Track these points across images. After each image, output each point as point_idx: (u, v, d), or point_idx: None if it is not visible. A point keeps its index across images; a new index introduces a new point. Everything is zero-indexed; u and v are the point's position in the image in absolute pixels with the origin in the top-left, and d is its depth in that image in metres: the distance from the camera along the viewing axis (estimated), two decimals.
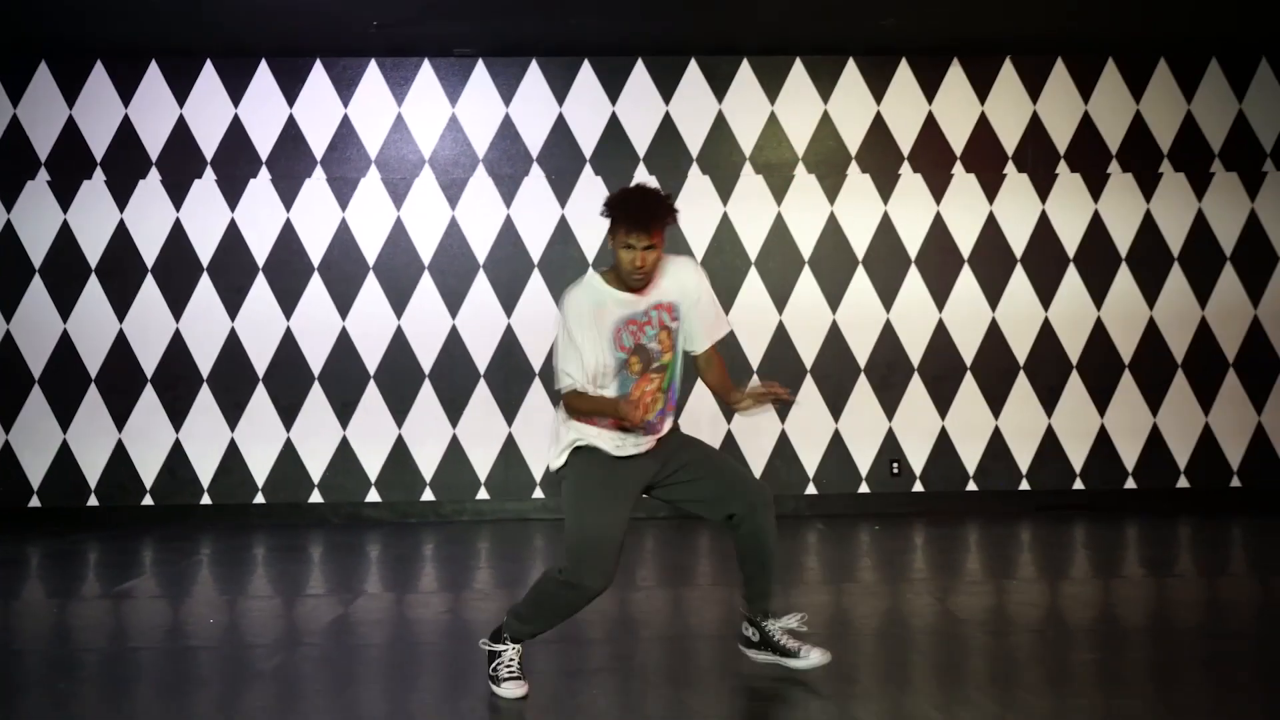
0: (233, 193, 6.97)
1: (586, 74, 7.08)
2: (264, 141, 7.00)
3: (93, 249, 6.91)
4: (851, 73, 7.15)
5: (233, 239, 6.95)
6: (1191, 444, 7.14)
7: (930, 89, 7.15)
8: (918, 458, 7.08)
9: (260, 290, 6.94)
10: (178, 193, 6.95)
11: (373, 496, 6.93)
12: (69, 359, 6.86)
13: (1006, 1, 6.16)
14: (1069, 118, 7.17)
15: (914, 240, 7.11)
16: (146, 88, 6.98)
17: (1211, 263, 7.17)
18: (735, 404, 3.49)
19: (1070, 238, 7.14)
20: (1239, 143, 7.20)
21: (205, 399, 6.89)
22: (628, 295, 3.31)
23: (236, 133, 6.99)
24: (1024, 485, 7.10)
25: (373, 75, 7.05)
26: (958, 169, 7.13)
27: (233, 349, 6.92)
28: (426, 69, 7.06)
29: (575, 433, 3.34)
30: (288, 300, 6.94)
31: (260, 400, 6.91)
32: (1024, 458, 7.10)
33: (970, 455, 7.09)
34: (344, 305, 6.95)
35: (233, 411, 6.91)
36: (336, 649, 4.03)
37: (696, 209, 6.94)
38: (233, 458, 6.90)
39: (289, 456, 6.91)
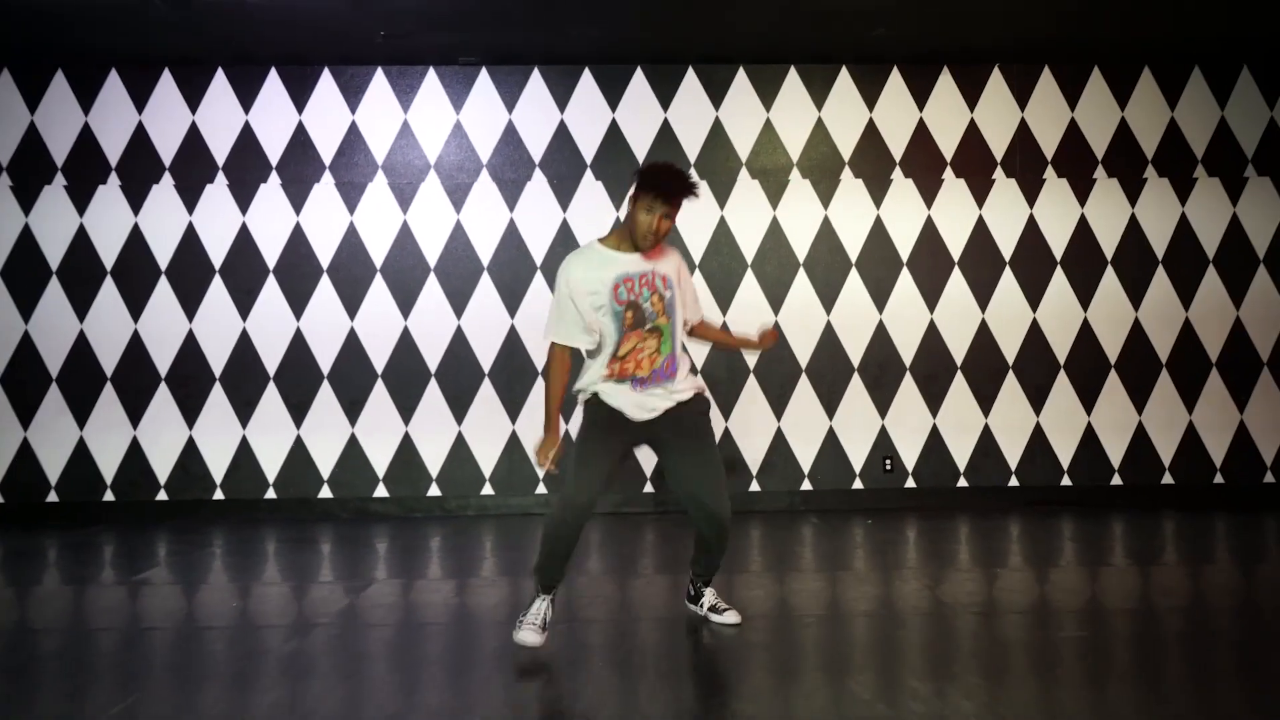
0: (244, 197, 7.16)
1: (587, 82, 7.28)
2: (274, 147, 7.19)
3: (108, 252, 7.10)
4: (844, 81, 7.34)
5: (244, 242, 7.14)
6: (1176, 441, 7.33)
7: (921, 96, 7.34)
8: (910, 454, 7.27)
9: (271, 292, 7.13)
10: (190, 197, 7.14)
11: (380, 492, 7.12)
12: (85, 358, 7.05)
13: (993, 13, 6.35)
14: (1056, 124, 7.37)
15: (905, 243, 7.30)
16: (160, 95, 7.17)
17: (1195, 265, 7.36)
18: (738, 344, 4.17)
19: (1057, 241, 7.33)
20: (1221, 148, 7.39)
21: (217, 397, 7.08)
22: (627, 255, 3.77)
23: (247, 139, 7.18)
24: (1013, 481, 7.28)
25: (379, 83, 7.24)
26: (948, 174, 7.33)
27: (244, 349, 7.10)
28: (431, 77, 7.25)
29: (604, 396, 3.81)
30: (297, 301, 7.13)
31: (271, 398, 7.10)
32: (1013, 454, 7.28)
33: (961, 452, 7.27)
34: (352, 306, 7.14)
35: (244, 409, 7.09)
36: (352, 631, 4.21)
37: (695, 213, 7.13)
38: (244, 454, 7.09)
39: (299, 453, 7.10)
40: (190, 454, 7.08)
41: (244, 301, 7.12)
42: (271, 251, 7.14)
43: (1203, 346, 7.33)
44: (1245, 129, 7.40)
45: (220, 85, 7.19)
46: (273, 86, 7.20)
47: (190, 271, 7.12)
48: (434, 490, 7.14)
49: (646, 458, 7.09)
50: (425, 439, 7.14)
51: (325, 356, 7.12)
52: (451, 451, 7.14)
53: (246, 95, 7.19)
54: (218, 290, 7.11)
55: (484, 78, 7.25)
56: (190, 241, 7.12)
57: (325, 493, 7.10)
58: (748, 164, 7.26)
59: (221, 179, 7.15)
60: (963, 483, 7.26)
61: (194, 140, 7.16)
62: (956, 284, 7.30)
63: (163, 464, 7.07)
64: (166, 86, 7.17)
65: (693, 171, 3.78)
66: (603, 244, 3.84)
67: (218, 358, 7.10)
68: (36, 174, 7.09)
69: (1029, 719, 3.10)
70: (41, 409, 7.03)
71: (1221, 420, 7.33)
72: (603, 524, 6.70)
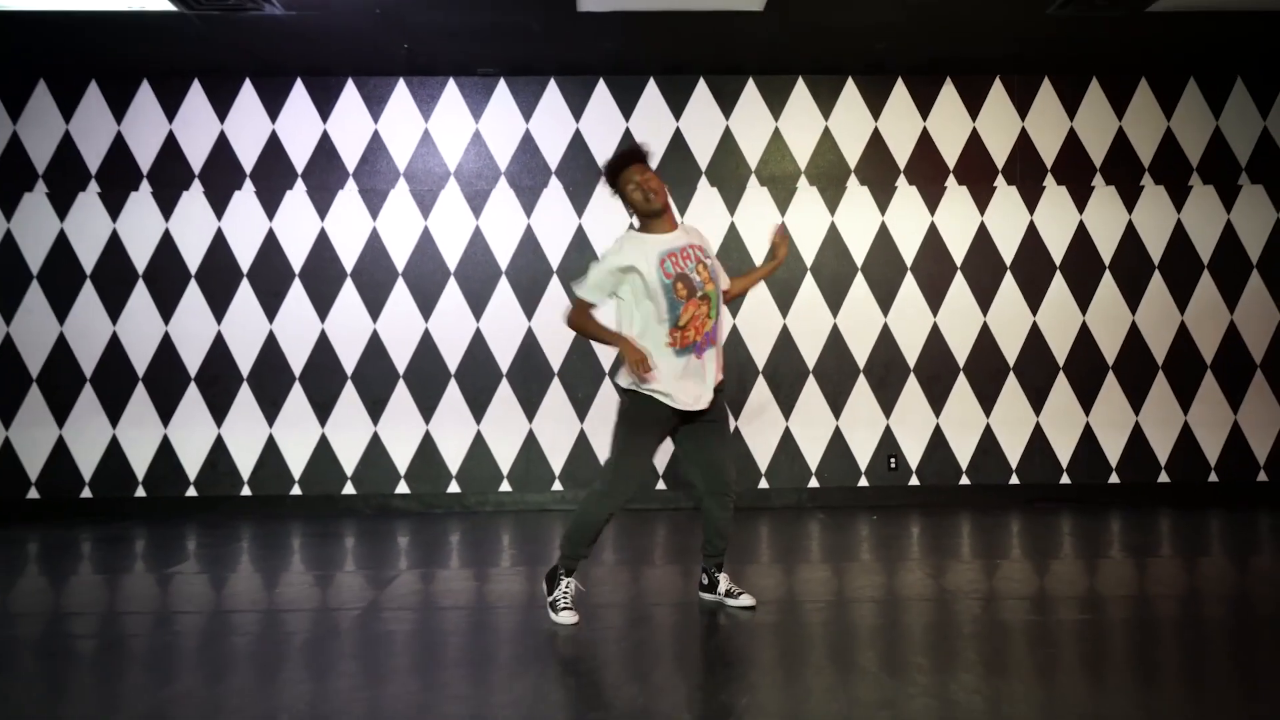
0: (271, 204, 7.41)
1: (602, 92, 7.53)
2: (299, 155, 7.44)
3: (140, 256, 7.35)
4: (850, 91, 7.59)
5: (270, 247, 7.40)
6: (1171, 441, 7.56)
7: (924, 106, 7.58)
8: (914, 453, 7.50)
9: (296, 295, 7.38)
10: (219, 204, 7.40)
11: (401, 489, 7.37)
12: (118, 359, 7.30)
13: (994, 27, 6.60)
14: (1055, 134, 7.60)
15: (909, 248, 7.54)
16: (189, 105, 7.43)
17: (1190, 270, 7.59)
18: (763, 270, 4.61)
19: (1057, 246, 7.57)
20: (1216, 157, 7.61)
21: (245, 396, 7.34)
22: (663, 235, 4.15)
23: (274, 147, 7.44)
24: (1014, 479, 7.51)
25: (401, 93, 7.50)
26: (950, 182, 7.57)
27: (270, 350, 7.36)
28: (451, 87, 7.51)
29: (662, 389, 4.07)
30: (322, 304, 7.39)
31: (296, 398, 7.35)
32: (1013, 453, 7.52)
33: (963, 451, 7.51)
34: (375, 309, 7.39)
35: (270, 408, 7.35)
36: (384, 617, 4.46)
37: (705, 219, 7.36)
38: (270, 452, 7.34)
39: (323, 451, 7.35)
40: (219, 451, 7.33)
41: (270, 304, 7.38)
42: (297, 256, 7.40)
43: (1198, 349, 7.56)
44: (1239, 138, 7.63)
45: (248, 95, 7.45)
46: (298, 96, 7.46)
47: (219, 275, 7.37)
48: (453, 487, 7.39)
49: (660, 452, 7.34)
50: (445, 437, 7.38)
51: (349, 357, 7.37)
52: (470, 449, 7.38)
53: (273, 105, 7.45)
54: (245, 293, 7.37)
55: (502, 88, 7.50)
56: (219, 246, 7.38)
57: (348, 489, 7.35)
58: (757, 172, 7.51)
59: (249, 186, 7.41)
60: (965, 480, 7.50)
61: (222, 148, 7.42)
62: (959, 288, 7.53)
63: (192, 461, 7.32)
64: (196, 97, 7.43)
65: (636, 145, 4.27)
66: (640, 231, 4.24)
67: (245, 358, 7.35)
68: (72, 181, 7.35)
69: (1026, 696, 3.34)
70: (76, 408, 7.29)
71: (1216, 420, 7.56)
72: (616, 519, 6.93)
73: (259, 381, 7.35)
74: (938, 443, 7.50)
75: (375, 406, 7.37)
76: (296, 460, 7.34)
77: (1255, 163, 7.62)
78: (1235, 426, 7.55)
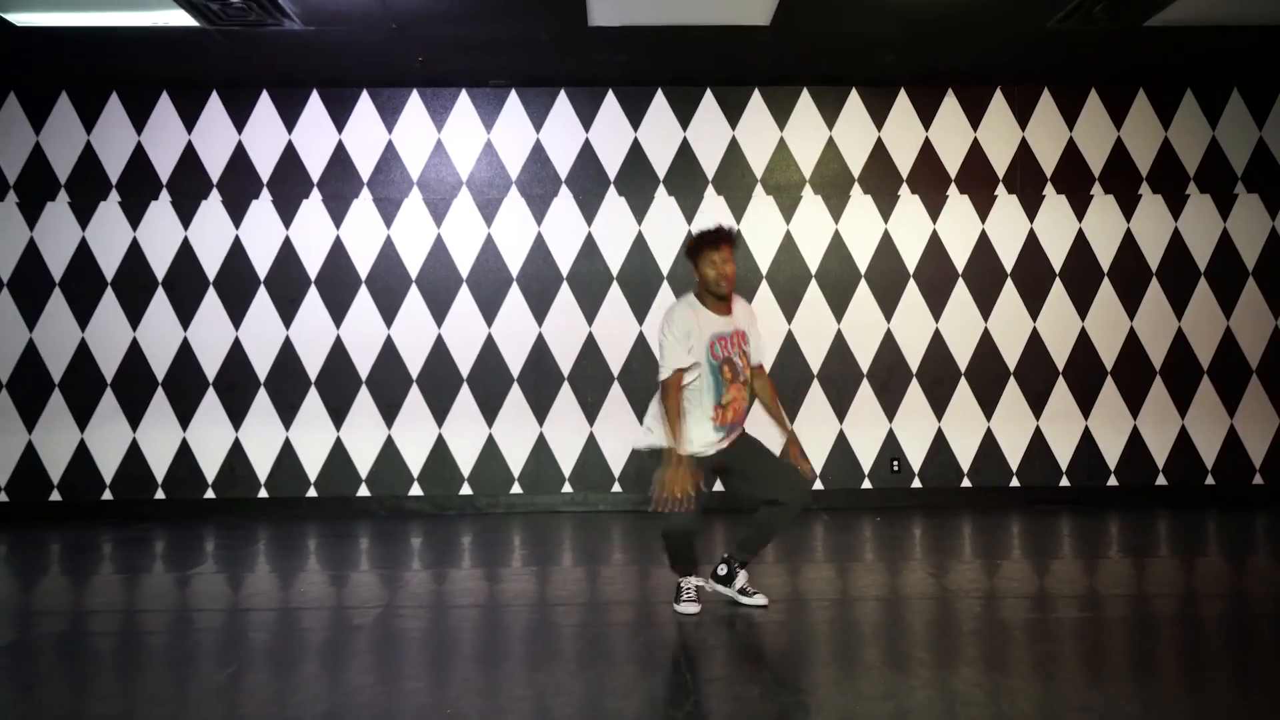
0: (287, 212, 7.58)
1: (611, 103, 7.69)
2: (315, 165, 7.61)
3: (159, 264, 7.52)
4: (854, 102, 7.75)
5: (287, 255, 7.56)
6: (1169, 445, 7.70)
7: (926, 116, 7.74)
8: (916, 456, 7.65)
9: (312, 301, 7.55)
10: (237, 212, 7.57)
11: (415, 491, 7.53)
12: (138, 364, 7.47)
13: (993, 41, 6.76)
14: (1055, 143, 7.75)
15: (912, 256, 7.70)
16: (208, 116, 7.59)
17: (1187, 277, 7.73)
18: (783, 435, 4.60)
19: (1056, 254, 7.72)
20: (1212, 167, 7.76)
21: (262, 401, 7.50)
22: (717, 317, 4.37)
23: (290, 157, 7.60)
24: (1014, 482, 7.66)
25: (414, 104, 7.66)
26: (952, 190, 7.72)
27: (287, 355, 7.52)
28: (464, 98, 7.67)
29: (685, 444, 4.27)
30: (337, 311, 7.55)
31: (312, 402, 7.51)
32: (1014, 456, 7.67)
33: (964, 454, 7.66)
34: (389, 315, 7.56)
35: (287, 412, 7.51)
36: (402, 615, 4.62)
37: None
38: (287, 454, 7.50)
39: (338, 454, 7.51)
40: (236, 454, 7.49)
41: (287, 311, 7.54)
42: (313, 263, 7.56)
43: (1195, 354, 7.70)
44: (1235, 148, 7.78)
45: (265, 106, 7.61)
46: (314, 108, 7.62)
47: (236, 282, 7.54)
48: (465, 489, 7.55)
49: None
50: (457, 441, 7.54)
51: (363, 362, 7.54)
52: (482, 452, 7.54)
53: (289, 116, 7.61)
54: (262, 300, 7.53)
55: (513, 99, 7.67)
56: (237, 254, 7.54)
57: (363, 491, 7.51)
58: (762, 180, 7.66)
59: (266, 195, 7.57)
60: (966, 483, 7.65)
61: (240, 159, 7.58)
62: (960, 294, 7.68)
63: (210, 464, 7.49)
64: (214, 108, 7.60)
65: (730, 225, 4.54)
66: (699, 299, 4.41)
67: (262, 364, 7.51)
68: (93, 191, 7.52)
69: (1025, 690, 3.50)
70: (97, 412, 7.45)
71: (1213, 424, 7.70)
72: (625, 520, 7.10)
73: (276, 386, 7.51)
74: (939, 446, 7.65)
75: (389, 410, 7.53)
76: (312, 463, 7.51)
77: (1251, 172, 7.77)
78: (1231, 430, 7.70)
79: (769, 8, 6.10)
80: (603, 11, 6.17)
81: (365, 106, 7.65)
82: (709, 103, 7.71)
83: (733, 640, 4.15)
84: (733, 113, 7.71)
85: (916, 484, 7.64)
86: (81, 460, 7.45)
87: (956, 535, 6.48)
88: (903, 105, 7.74)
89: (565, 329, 7.57)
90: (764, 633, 4.21)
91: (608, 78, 7.55)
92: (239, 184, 7.58)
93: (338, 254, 7.57)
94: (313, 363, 7.53)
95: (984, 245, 7.70)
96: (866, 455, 7.64)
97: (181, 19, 6.10)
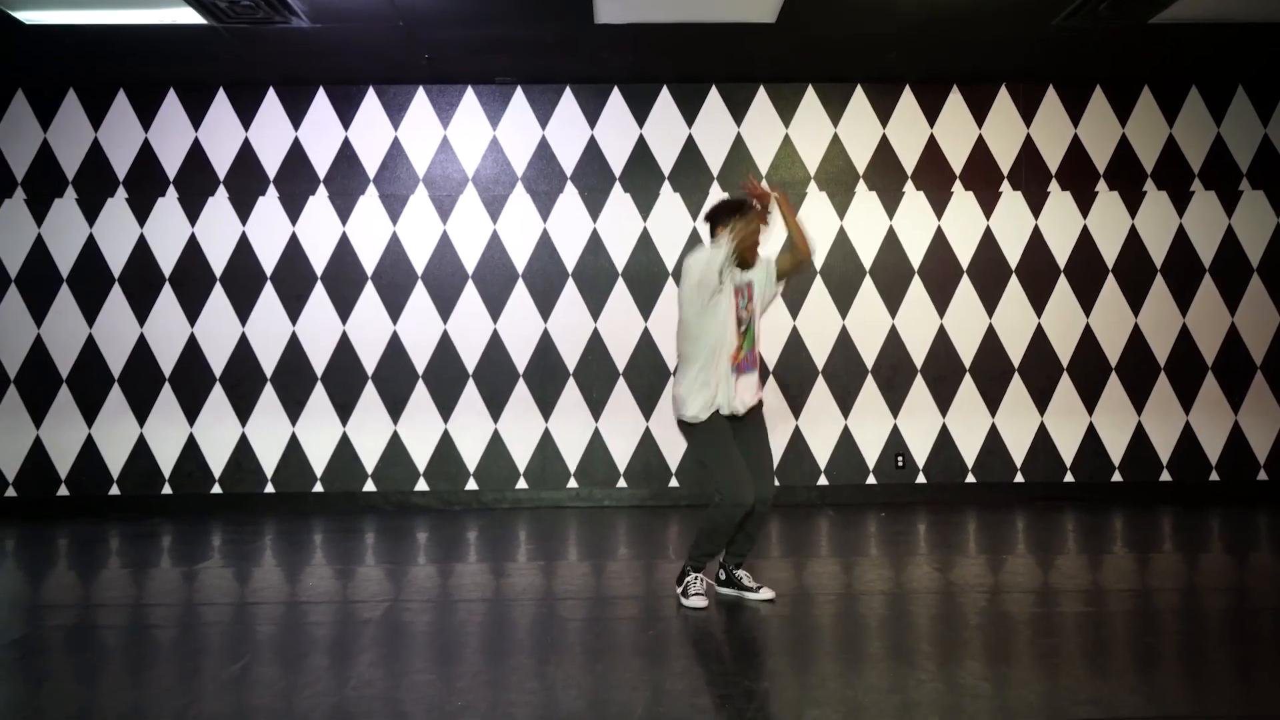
0: (293, 209, 7.60)
1: (616, 100, 7.71)
2: (322, 162, 7.63)
3: (167, 260, 7.55)
4: (859, 99, 7.76)
5: (293, 251, 7.59)
6: (1173, 441, 7.71)
7: (931, 114, 7.75)
8: (920, 452, 7.67)
9: (319, 298, 7.57)
10: (244, 209, 7.59)
11: (420, 486, 7.55)
12: (145, 360, 7.50)
13: (998, 39, 6.77)
14: (1060, 140, 7.76)
15: (917, 252, 7.71)
16: (215, 114, 7.62)
17: (1192, 274, 7.74)
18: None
19: (1061, 251, 7.73)
20: (1217, 164, 7.77)
21: (268, 396, 7.53)
22: (740, 273, 4.52)
23: (297, 154, 7.62)
24: (1018, 478, 7.67)
25: (420, 101, 7.68)
26: (957, 187, 7.73)
27: (293, 351, 7.55)
28: (470, 95, 7.69)
29: (706, 399, 4.42)
30: (343, 307, 7.57)
31: (318, 398, 7.54)
32: (1018, 452, 7.68)
33: (969, 449, 7.67)
34: (395, 311, 7.58)
35: (293, 408, 7.54)
36: (410, 609, 4.65)
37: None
38: (293, 450, 7.53)
39: (344, 449, 7.54)
40: (243, 450, 7.52)
41: (293, 307, 7.57)
42: (319, 260, 7.59)
43: (1199, 351, 7.72)
44: (1240, 145, 7.78)
45: (272, 104, 7.64)
46: (321, 105, 7.65)
47: (243, 279, 7.56)
48: (471, 485, 7.57)
49: (672, 450, 7.53)
50: (463, 436, 7.57)
51: (369, 358, 7.56)
52: (488, 448, 7.57)
53: (296, 113, 7.64)
54: (269, 296, 7.56)
55: (519, 96, 7.69)
56: (243, 251, 7.57)
57: (369, 486, 7.54)
58: (767, 178, 7.67)
59: (273, 192, 7.60)
60: (971, 479, 7.66)
61: (247, 155, 7.61)
62: (965, 291, 7.70)
63: (217, 459, 7.52)
64: (221, 106, 7.62)
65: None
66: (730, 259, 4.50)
67: (269, 359, 7.54)
68: (100, 188, 7.55)
69: (1029, 682, 3.52)
70: (104, 408, 7.49)
71: (1217, 421, 7.71)
72: (630, 516, 7.13)
73: (282, 382, 7.54)
74: (944, 441, 7.67)
75: (395, 406, 7.56)
76: (319, 458, 7.54)
77: (1256, 169, 7.77)
78: (1236, 427, 7.71)
79: (774, 5, 6.12)
80: (609, 9, 6.19)
81: (371, 103, 7.67)
82: (714, 100, 7.72)
83: (740, 635, 4.17)
84: (738, 110, 7.73)
85: (921, 480, 7.66)
86: (89, 456, 7.48)
87: (961, 531, 6.50)
88: (908, 102, 7.75)
89: (571, 325, 7.60)
90: (770, 627, 4.24)
91: (613, 75, 7.57)
92: (246, 181, 7.60)
93: (344, 250, 7.60)
94: (319, 359, 7.56)
95: (988, 242, 7.72)
96: (871, 451, 7.66)
97: (190, 17, 6.13)
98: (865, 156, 7.74)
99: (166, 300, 7.54)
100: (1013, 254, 7.72)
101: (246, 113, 7.64)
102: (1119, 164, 7.76)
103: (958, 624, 4.26)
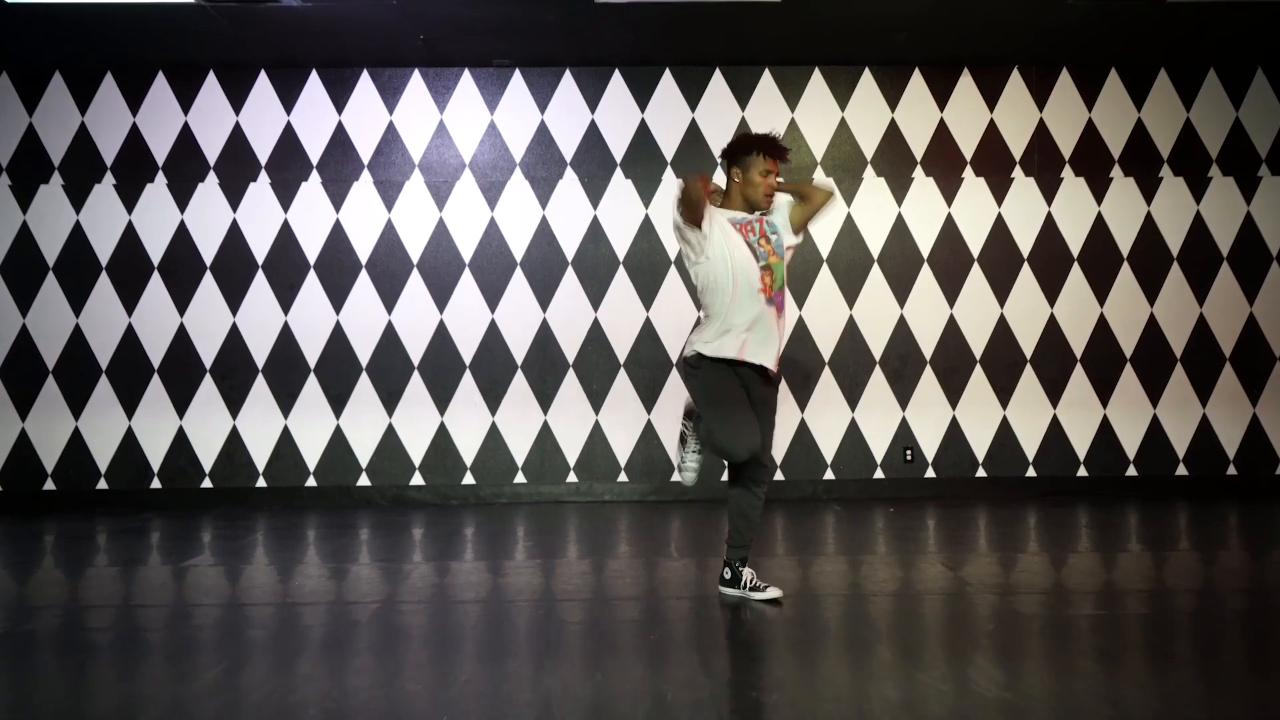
0: (286, 195, 7.41)
1: (617, 83, 7.50)
2: (315, 147, 7.43)
3: (155, 248, 7.36)
4: (867, 82, 7.55)
5: (286, 239, 7.39)
6: (1190, 434, 7.52)
7: (941, 97, 7.54)
8: (929, 445, 7.48)
9: (312, 286, 7.38)
10: (234, 195, 7.40)
11: (416, 480, 7.37)
12: (134, 351, 7.31)
13: (1011, 19, 6.56)
14: (1073, 125, 7.55)
15: (926, 240, 7.51)
16: (205, 98, 7.42)
17: (1209, 262, 7.54)
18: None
19: (1074, 238, 7.53)
20: (1235, 149, 7.56)
21: (260, 388, 7.34)
22: (733, 210, 4.32)
23: (289, 139, 7.43)
24: (1030, 472, 7.48)
25: (416, 84, 7.48)
26: (967, 173, 7.53)
27: (286, 341, 7.36)
28: (467, 78, 7.49)
29: (724, 342, 4.22)
30: (337, 296, 7.38)
31: (312, 389, 7.35)
32: (1030, 446, 7.49)
33: (979, 443, 7.48)
34: (390, 301, 7.39)
35: (286, 400, 7.35)
36: (402, 610, 4.46)
37: None
38: (286, 443, 7.35)
39: (338, 442, 7.36)
40: (234, 443, 7.34)
41: (286, 296, 7.38)
42: (312, 248, 7.39)
43: (1216, 341, 7.51)
44: (1259, 129, 7.57)
45: (263, 87, 7.44)
46: (314, 88, 7.44)
47: (234, 267, 7.37)
48: (468, 479, 7.39)
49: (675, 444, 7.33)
50: (460, 429, 7.38)
51: (364, 349, 7.37)
52: (485, 441, 7.38)
53: (288, 97, 7.44)
54: (261, 285, 7.37)
55: (517, 79, 7.48)
56: (235, 238, 7.38)
57: (364, 480, 7.36)
58: None
59: (264, 178, 7.40)
60: (981, 473, 7.47)
61: (238, 140, 7.41)
62: (976, 280, 7.50)
63: (208, 453, 7.34)
64: (211, 89, 7.42)
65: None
66: (722, 206, 4.37)
67: (261, 350, 7.35)
68: (87, 174, 7.36)
69: (1047, 684, 3.33)
70: (92, 400, 7.30)
71: (1234, 413, 7.51)
72: (631, 511, 6.94)
73: (274, 373, 7.35)
74: (954, 435, 7.47)
75: (390, 398, 7.37)
76: (312, 452, 7.35)
77: (1276, 154, 7.56)
78: (1254, 420, 7.51)
79: None
80: None
81: (366, 87, 7.47)
82: (718, 83, 7.51)
83: (743, 637, 3.98)
84: (742, 93, 7.52)
85: (930, 474, 7.47)
86: (76, 449, 7.30)
87: (971, 527, 6.31)
88: (917, 85, 7.54)
89: (570, 315, 7.40)
90: (777, 630, 4.04)
91: (614, 57, 7.35)
92: (236, 166, 7.41)
93: (337, 238, 7.40)
94: (312, 349, 7.37)
95: (1000, 229, 7.51)
96: (879, 444, 7.46)
97: None
98: (873, 142, 7.53)
99: (155, 289, 7.35)
100: (1025, 242, 7.51)
101: (237, 96, 7.44)
102: (1134, 149, 7.55)
103: (974, 627, 4.06)
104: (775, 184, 4.30)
